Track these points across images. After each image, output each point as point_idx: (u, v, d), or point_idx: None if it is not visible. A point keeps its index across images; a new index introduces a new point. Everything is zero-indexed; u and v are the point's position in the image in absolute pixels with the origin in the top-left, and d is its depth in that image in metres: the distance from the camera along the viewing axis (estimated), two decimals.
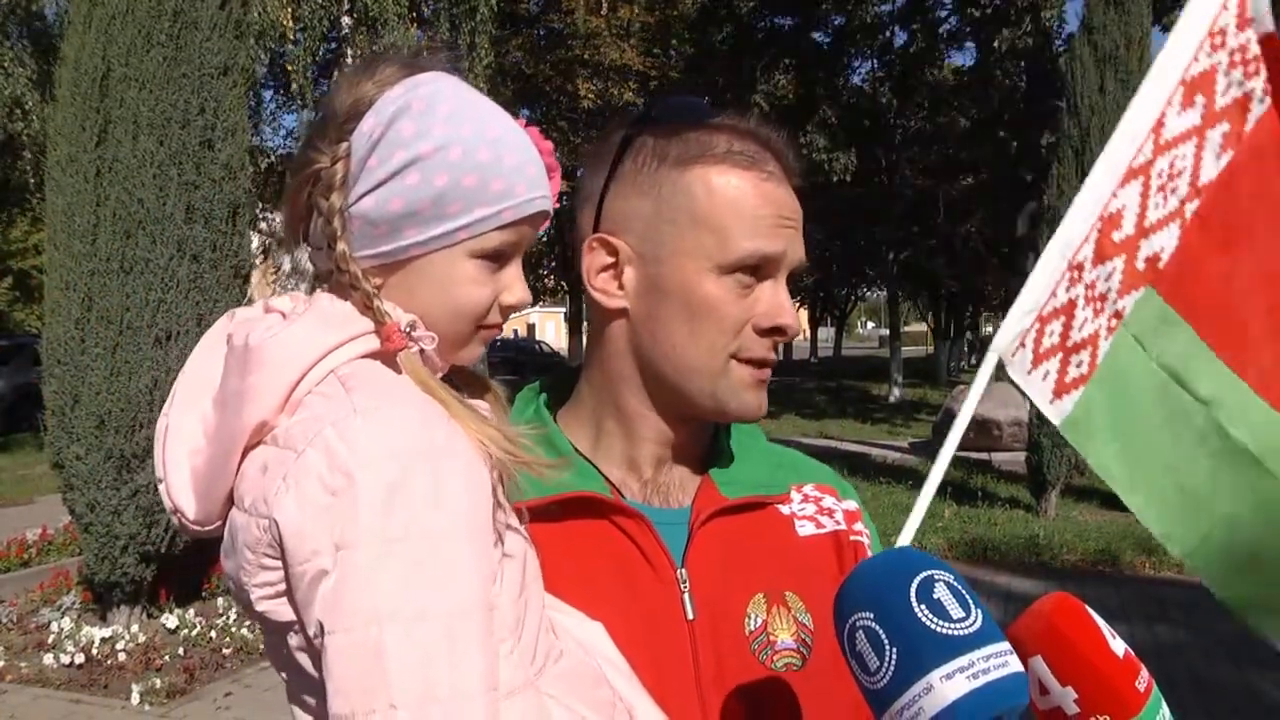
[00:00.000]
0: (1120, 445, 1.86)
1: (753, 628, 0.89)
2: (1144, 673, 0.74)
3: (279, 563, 0.69)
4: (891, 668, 0.65)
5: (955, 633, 0.65)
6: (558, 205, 0.87)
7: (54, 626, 5.14)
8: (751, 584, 0.91)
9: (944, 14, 20.91)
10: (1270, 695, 4.64)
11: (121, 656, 4.85)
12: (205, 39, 5.11)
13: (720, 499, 0.93)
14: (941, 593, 0.67)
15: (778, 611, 0.91)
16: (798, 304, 42.41)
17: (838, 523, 0.99)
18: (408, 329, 0.76)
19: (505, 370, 23.71)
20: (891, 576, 0.68)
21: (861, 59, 22.35)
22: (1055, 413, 1.93)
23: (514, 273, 0.82)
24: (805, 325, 52.39)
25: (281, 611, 0.71)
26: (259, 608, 0.73)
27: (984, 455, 11.59)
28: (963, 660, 0.63)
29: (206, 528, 0.77)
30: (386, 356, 0.76)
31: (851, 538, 0.99)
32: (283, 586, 0.70)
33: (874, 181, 21.69)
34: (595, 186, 0.92)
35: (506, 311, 0.83)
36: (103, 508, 4.94)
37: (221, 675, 4.77)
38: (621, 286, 0.91)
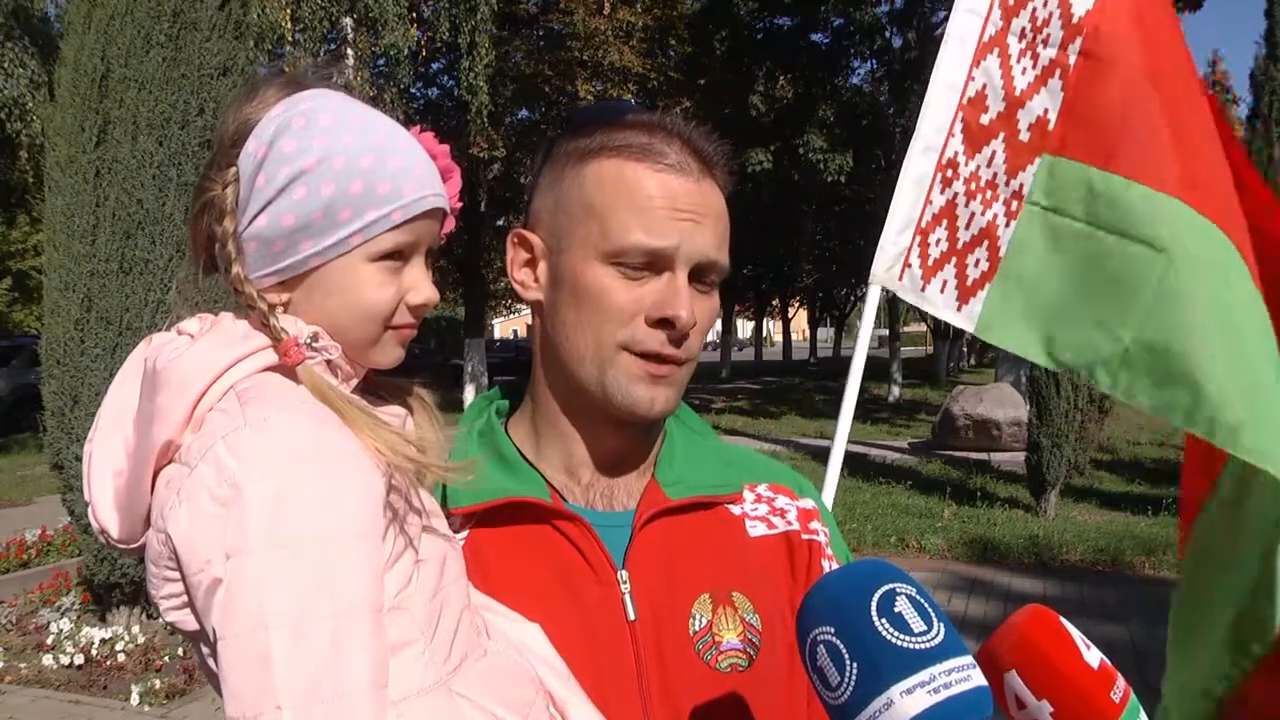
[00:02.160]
0: (1041, 318, 1.73)
1: (697, 628, 0.90)
2: (1120, 682, 0.74)
3: (178, 574, 0.72)
4: (852, 683, 0.65)
5: (916, 647, 0.64)
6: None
7: (53, 627, 5.14)
8: (697, 584, 0.91)
9: (941, 16, 20.93)
10: None
11: (121, 657, 4.86)
12: (205, 40, 5.12)
13: (664, 500, 0.94)
14: (903, 606, 0.66)
15: (724, 612, 0.91)
16: (796, 304, 42.41)
17: (789, 523, 1.00)
18: (308, 341, 0.78)
19: (508, 371, 23.71)
20: (853, 590, 0.68)
21: (860, 60, 22.37)
22: (965, 320, 1.84)
23: (417, 272, 0.84)
24: (805, 326, 52.39)
25: (187, 622, 0.74)
26: (169, 618, 0.76)
27: (983, 455, 11.60)
28: (923, 675, 0.63)
29: (131, 545, 0.80)
30: (287, 370, 0.78)
31: (804, 536, 0.99)
32: (185, 598, 0.73)
33: (874, 181, 21.69)
34: (529, 190, 0.97)
35: (416, 311, 0.84)
36: None
37: None
38: (537, 280, 0.94)
